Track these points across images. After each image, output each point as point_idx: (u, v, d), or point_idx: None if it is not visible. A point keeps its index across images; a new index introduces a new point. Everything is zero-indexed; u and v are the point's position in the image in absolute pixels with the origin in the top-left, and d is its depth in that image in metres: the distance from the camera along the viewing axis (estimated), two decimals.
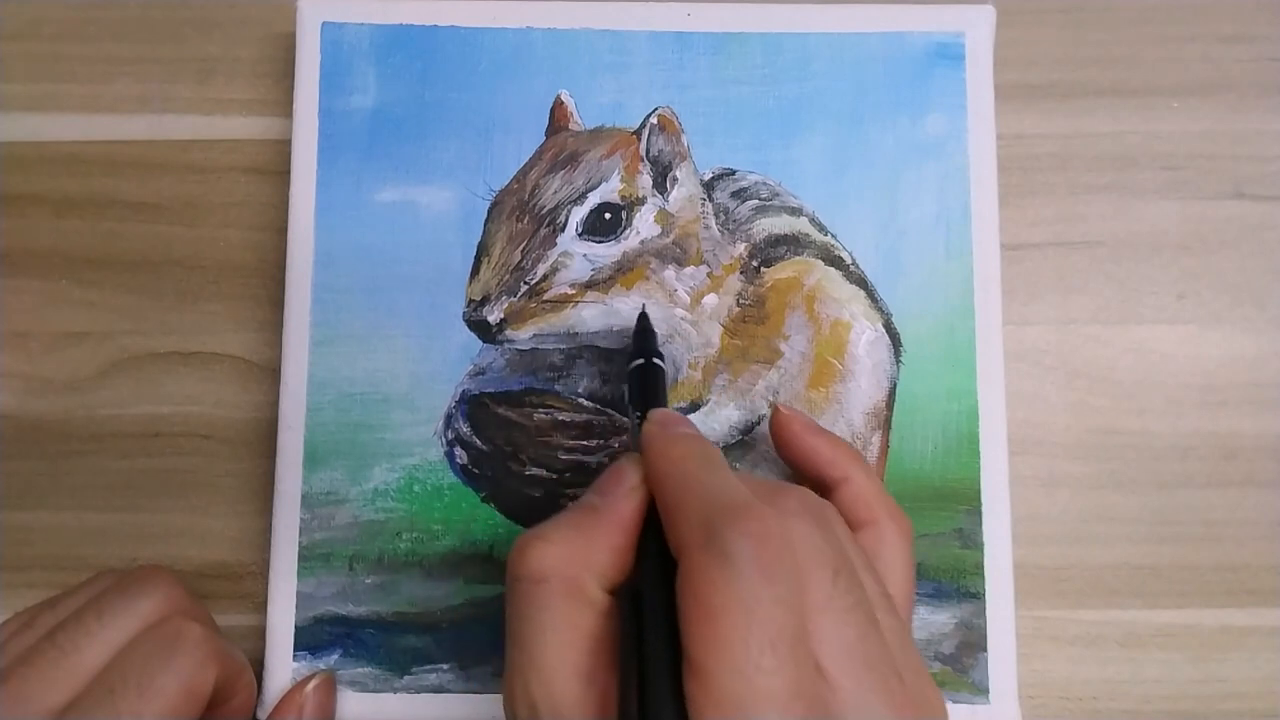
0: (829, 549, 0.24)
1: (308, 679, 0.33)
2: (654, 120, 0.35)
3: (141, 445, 0.36)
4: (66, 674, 0.26)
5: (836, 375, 0.35)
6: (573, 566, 0.24)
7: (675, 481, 0.25)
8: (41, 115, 0.38)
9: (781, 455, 0.32)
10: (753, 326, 0.35)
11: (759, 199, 0.36)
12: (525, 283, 0.34)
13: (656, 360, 0.31)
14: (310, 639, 0.34)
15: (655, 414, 0.28)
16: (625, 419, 0.34)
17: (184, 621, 0.28)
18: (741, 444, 0.35)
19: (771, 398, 0.35)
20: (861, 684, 0.22)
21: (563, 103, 0.36)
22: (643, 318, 0.33)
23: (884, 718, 0.22)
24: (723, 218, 0.35)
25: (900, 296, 0.35)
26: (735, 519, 0.22)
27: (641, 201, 0.35)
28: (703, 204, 0.35)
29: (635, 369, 0.31)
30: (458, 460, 0.34)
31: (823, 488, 0.30)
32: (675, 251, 0.35)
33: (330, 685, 0.33)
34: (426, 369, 0.35)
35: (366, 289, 0.35)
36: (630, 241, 0.35)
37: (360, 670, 0.33)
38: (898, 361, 0.35)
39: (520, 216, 0.35)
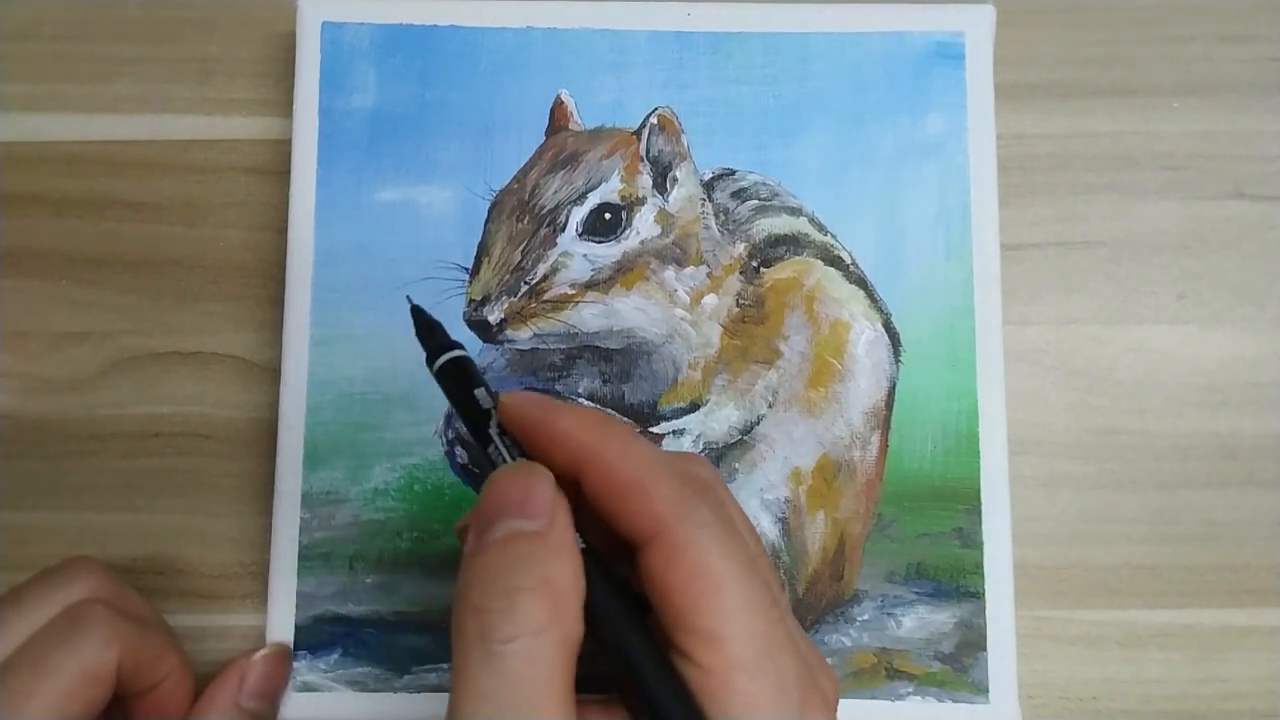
0: (733, 508, 0.25)
1: (256, 649, 0.33)
2: (654, 120, 0.35)
3: (141, 445, 0.36)
4: None
5: (836, 375, 0.35)
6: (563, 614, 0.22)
7: (637, 459, 0.23)
8: (41, 115, 0.38)
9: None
10: (752, 326, 0.35)
11: (759, 199, 0.36)
12: (525, 283, 0.34)
13: (459, 352, 0.27)
14: (310, 638, 0.34)
15: (519, 395, 0.25)
16: (625, 419, 0.34)
17: (91, 605, 0.29)
18: (741, 444, 0.35)
19: (771, 398, 0.35)
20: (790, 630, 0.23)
21: (563, 102, 0.36)
22: (416, 311, 0.28)
23: (809, 658, 0.23)
24: (722, 218, 0.35)
25: (900, 296, 0.35)
26: (702, 489, 0.23)
27: (641, 201, 0.35)
28: (703, 204, 0.35)
29: (444, 366, 0.27)
30: (458, 460, 0.34)
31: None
32: (675, 252, 0.35)
33: (280, 659, 0.33)
34: (427, 370, 0.35)
35: (366, 289, 0.35)
36: (630, 242, 0.35)
37: (360, 670, 0.33)
38: (897, 361, 0.35)
39: (520, 216, 0.35)
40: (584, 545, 0.23)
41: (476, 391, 0.26)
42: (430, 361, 0.27)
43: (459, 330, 0.35)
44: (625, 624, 0.22)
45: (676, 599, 0.21)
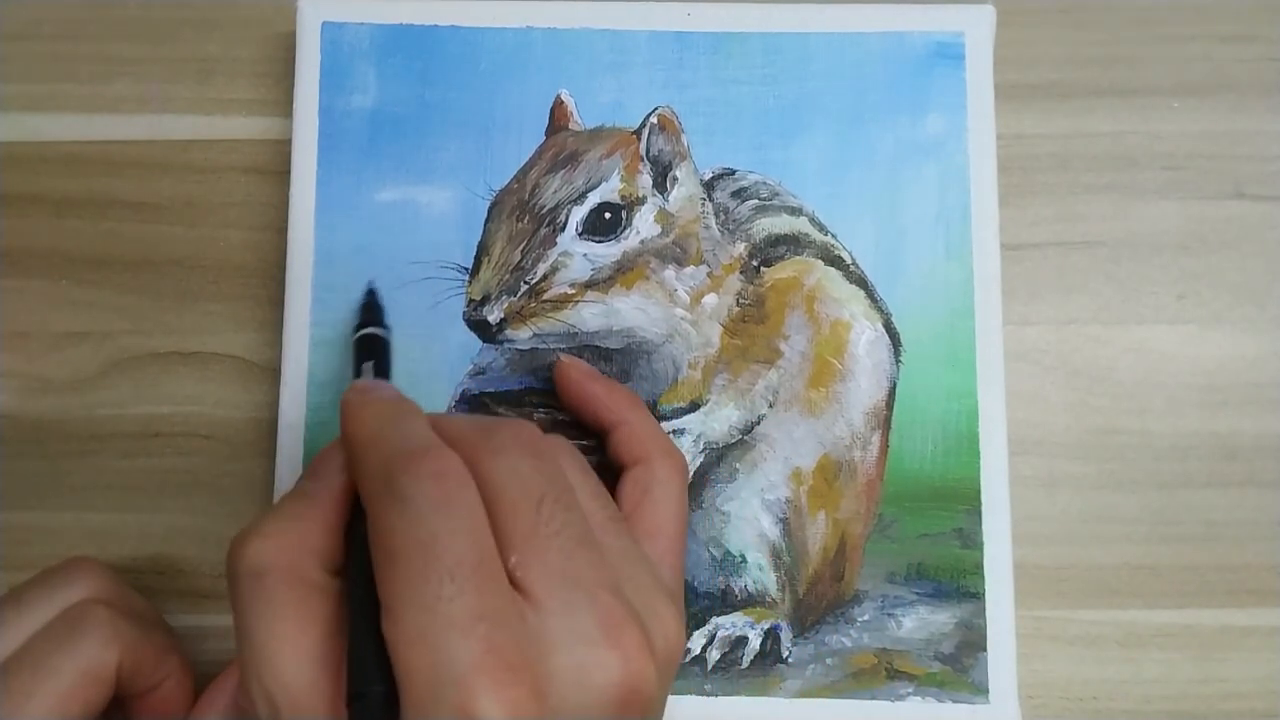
0: (536, 478, 0.25)
1: None
2: (654, 120, 0.35)
3: (141, 445, 0.36)
4: None
5: (836, 375, 0.35)
6: (291, 555, 0.25)
7: (361, 441, 0.25)
8: (41, 115, 0.38)
9: (564, 402, 0.33)
10: (752, 326, 0.35)
11: (759, 199, 0.36)
12: (525, 282, 0.34)
13: (377, 331, 0.32)
14: None
15: (355, 383, 0.29)
16: None
17: (92, 606, 0.29)
18: (741, 444, 0.35)
19: (771, 398, 0.35)
20: (567, 602, 0.23)
21: (563, 102, 0.36)
22: (369, 293, 0.34)
23: (586, 628, 0.23)
24: (723, 217, 0.35)
25: (900, 296, 0.35)
26: (409, 462, 0.24)
27: (641, 201, 0.35)
28: (703, 204, 0.35)
29: (355, 340, 0.32)
30: None
31: (602, 431, 0.31)
32: (675, 251, 0.35)
33: None
34: (426, 369, 0.35)
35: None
36: (630, 241, 0.35)
37: None
38: (898, 361, 0.35)
39: (520, 216, 0.35)
40: None
41: (364, 365, 0.31)
42: (354, 330, 0.33)
43: (459, 330, 0.35)
44: (358, 578, 0.24)
45: (374, 568, 0.23)
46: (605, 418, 0.31)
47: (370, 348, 0.32)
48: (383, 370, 0.31)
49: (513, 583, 0.23)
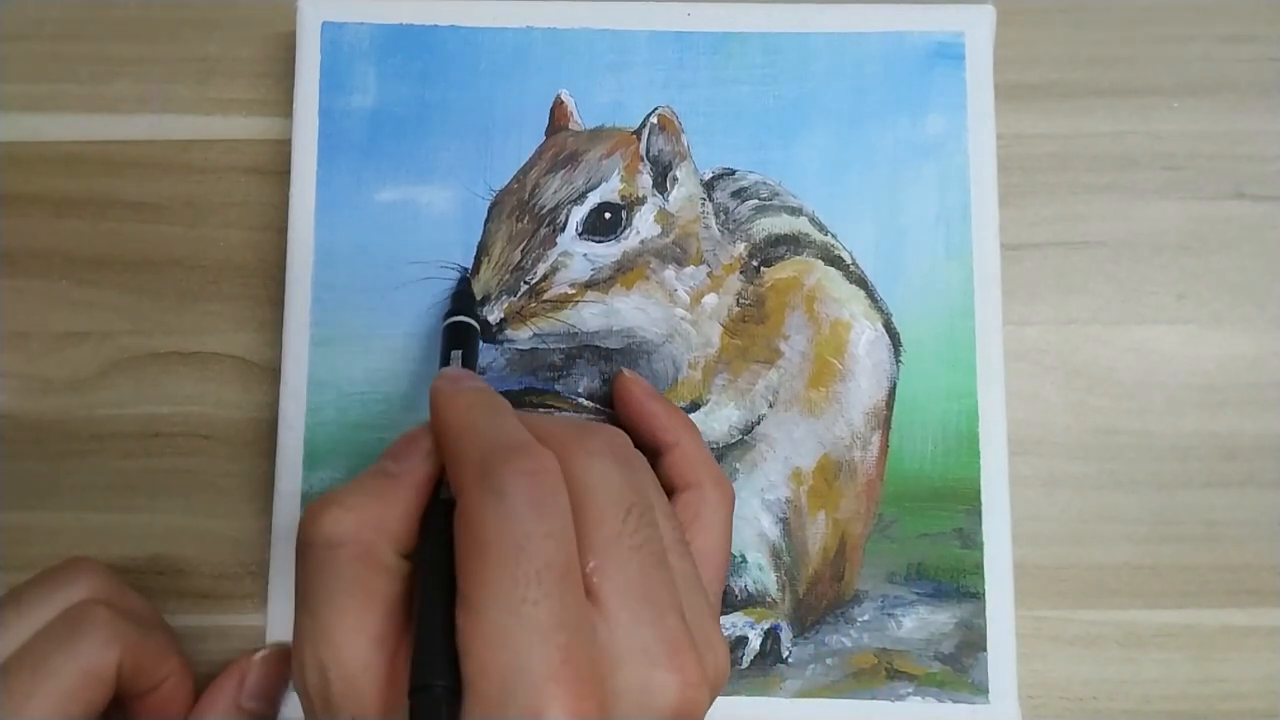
0: (626, 488, 0.25)
1: (257, 649, 0.33)
2: (654, 120, 0.35)
3: (141, 445, 0.36)
4: None
5: (836, 375, 0.35)
6: (367, 532, 0.25)
7: (456, 429, 0.25)
8: (41, 115, 0.38)
9: (620, 416, 0.33)
10: (753, 326, 0.35)
11: (759, 199, 0.36)
12: (525, 282, 0.34)
13: (468, 320, 0.32)
14: None
15: (444, 371, 0.29)
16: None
17: (92, 606, 0.29)
18: (741, 444, 0.35)
19: (771, 398, 0.35)
20: (637, 617, 0.23)
21: (563, 102, 0.36)
22: (463, 281, 0.34)
23: (652, 648, 0.23)
24: (723, 217, 0.35)
25: (900, 296, 0.35)
26: (510, 457, 0.23)
27: (641, 201, 0.35)
28: (703, 204, 0.35)
29: (446, 327, 0.32)
30: None
31: (655, 450, 0.31)
32: (675, 251, 0.35)
33: (280, 659, 0.33)
34: (426, 369, 0.35)
35: (366, 289, 0.35)
36: (630, 241, 0.35)
37: None
38: (898, 361, 0.35)
39: (520, 216, 0.35)
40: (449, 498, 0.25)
41: (453, 354, 0.31)
42: (444, 317, 0.33)
43: None
44: (433, 567, 0.24)
45: (457, 559, 0.23)
46: (661, 438, 0.31)
47: (460, 336, 0.32)
48: (470, 361, 0.31)
49: (585, 587, 0.23)
